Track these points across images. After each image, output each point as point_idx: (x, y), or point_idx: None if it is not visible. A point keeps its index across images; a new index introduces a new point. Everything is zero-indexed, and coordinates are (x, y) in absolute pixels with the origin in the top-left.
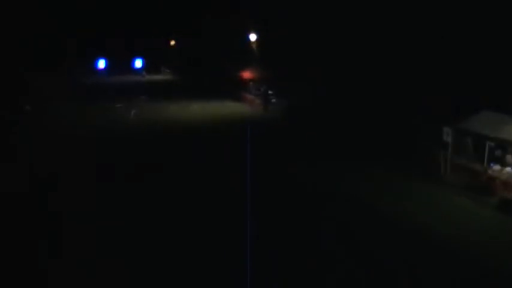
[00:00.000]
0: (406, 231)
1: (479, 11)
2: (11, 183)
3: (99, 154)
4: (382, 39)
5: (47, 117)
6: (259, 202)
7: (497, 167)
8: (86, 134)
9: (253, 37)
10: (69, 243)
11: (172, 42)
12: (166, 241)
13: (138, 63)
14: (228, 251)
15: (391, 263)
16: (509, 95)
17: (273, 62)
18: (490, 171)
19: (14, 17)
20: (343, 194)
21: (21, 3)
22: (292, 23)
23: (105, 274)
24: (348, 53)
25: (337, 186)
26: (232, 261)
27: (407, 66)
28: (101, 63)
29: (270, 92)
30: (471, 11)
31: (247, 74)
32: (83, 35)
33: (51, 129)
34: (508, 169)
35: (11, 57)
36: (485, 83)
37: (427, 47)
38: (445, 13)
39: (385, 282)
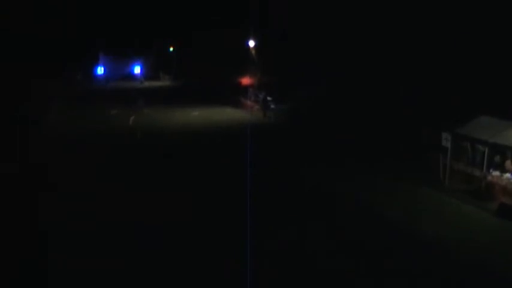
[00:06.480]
0: (406, 234)
1: (482, 14)
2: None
3: (98, 158)
4: (384, 42)
5: (46, 122)
6: (258, 205)
7: (496, 173)
8: (85, 139)
9: (252, 43)
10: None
11: (172, 48)
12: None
13: (137, 69)
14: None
15: (391, 264)
16: (509, 100)
17: (272, 68)
18: (489, 177)
19: (15, 22)
20: (341, 194)
21: (21, 7)
22: (292, 23)
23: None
24: (349, 56)
25: (337, 187)
26: None
27: (409, 70)
28: (100, 69)
29: (268, 98)
30: (472, 13)
31: (246, 80)
32: (83, 40)
33: (50, 133)
34: (507, 175)
35: (10, 62)
36: (486, 87)
37: (428, 48)
38: (446, 16)
39: (385, 282)
